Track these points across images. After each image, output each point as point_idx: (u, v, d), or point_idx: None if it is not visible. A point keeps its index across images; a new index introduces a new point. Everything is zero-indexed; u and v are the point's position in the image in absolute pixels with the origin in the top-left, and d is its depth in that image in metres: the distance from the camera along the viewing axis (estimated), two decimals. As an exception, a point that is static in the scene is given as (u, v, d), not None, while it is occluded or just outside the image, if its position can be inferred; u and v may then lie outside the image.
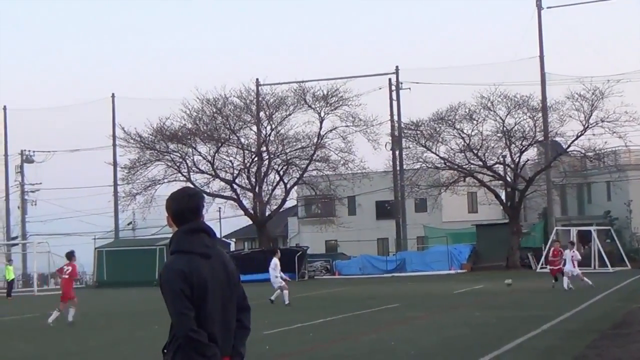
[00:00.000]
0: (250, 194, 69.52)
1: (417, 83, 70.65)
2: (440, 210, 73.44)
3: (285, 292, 31.51)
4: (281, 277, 32.05)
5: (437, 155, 66.17)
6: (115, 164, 75.13)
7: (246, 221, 78.27)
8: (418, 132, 66.27)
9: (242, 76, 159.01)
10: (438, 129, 65.64)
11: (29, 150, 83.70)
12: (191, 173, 69.23)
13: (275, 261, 32.22)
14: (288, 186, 70.18)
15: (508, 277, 45.27)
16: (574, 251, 38.19)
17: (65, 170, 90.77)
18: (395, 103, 71.23)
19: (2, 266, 58.45)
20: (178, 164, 69.11)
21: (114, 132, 74.85)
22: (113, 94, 78.26)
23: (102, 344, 20.81)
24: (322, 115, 68.56)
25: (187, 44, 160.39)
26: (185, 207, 5.71)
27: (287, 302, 31.07)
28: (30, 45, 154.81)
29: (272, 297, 31.82)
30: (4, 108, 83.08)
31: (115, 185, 75.56)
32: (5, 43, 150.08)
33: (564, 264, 37.43)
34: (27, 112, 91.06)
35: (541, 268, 58.10)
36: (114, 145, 74.98)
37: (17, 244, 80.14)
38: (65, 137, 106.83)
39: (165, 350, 5.60)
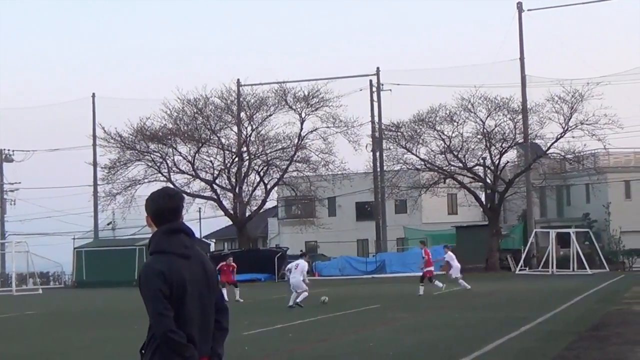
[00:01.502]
0: (231, 195, 69.46)
1: (397, 84, 70.76)
2: (420, 211, 73.55)
3: (305, 294, 30.38)
4: (305, 281, 30.84)
5: (418, 157, 66.29)
6: (95, 163, 74.82)
7: (226, 222, 78.20)
8: (398, 133, 66.35)
9: (223, 76, 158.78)
10: (418, 131, 65.74)
11: (8, 149, 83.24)
12: (171, 173, 69.14)
13: (304, 264, 31.35)
14: (268, 187, 70.15)
15: (488, 278, 45.42)
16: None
17: (45, 170, 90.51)
18: (376, 104, 71.24)
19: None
20: (158, 164, 68.97)
21: (94, 131, 74.66)
22: (93, 94, 77.99)
23: (82, 343, 20.73)
24: (302, 116, 68.60)
25: (168, 44, 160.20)
26: (164, 208, 5.69)
27: (291, 304, 29.98)
28: (11, 44, 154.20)
29: (299, 300, 30.34)
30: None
31: (95, 185, 75.27)
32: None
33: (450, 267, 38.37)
34: (7, 111, 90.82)
35: (520, 270, 58.35)
36: (94, 145, 74.68)
37: (-5, 244, 79.69)
38: (45, 136, 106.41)
39: (143, 351, 5.57)
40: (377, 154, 69.77)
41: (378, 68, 71.96)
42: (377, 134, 69.35)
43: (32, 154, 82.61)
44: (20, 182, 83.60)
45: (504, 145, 65.09)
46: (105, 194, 70.83)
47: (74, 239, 72.70)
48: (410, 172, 67.26)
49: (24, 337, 23.35)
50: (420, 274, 38.03)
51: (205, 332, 5.59)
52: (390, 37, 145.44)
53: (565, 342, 17.00)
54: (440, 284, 36.17)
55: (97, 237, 77.37)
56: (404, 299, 33.93)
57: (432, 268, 37.45)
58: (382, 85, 71.50)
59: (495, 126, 64.55)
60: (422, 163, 66.31)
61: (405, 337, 19.48)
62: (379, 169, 70.29)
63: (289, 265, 31.98)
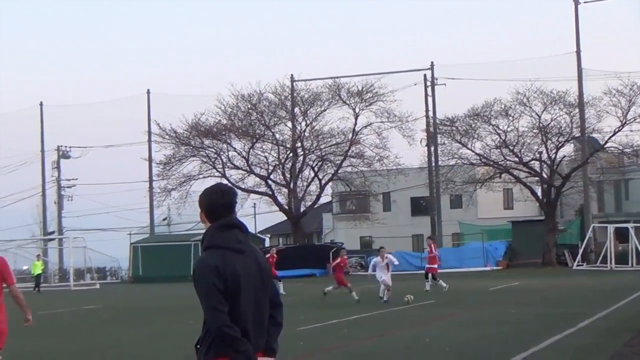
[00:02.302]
0: (285, 190, 69.61)
1: (452, 79, 70.39)
2: (475, 206, 73.05)
3: (382, 287, 30.26)
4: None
5: (473, 152, 65.86)
6: (150, 159, 75.43)
7: (281, 217, 78.31)
8: (453, 128, 65.99)
9: (277, 72, 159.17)
10: (473, 125, 65.31)
11: (65, 146, 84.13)
12: (226, 169, 69.47)
13: (392, 258, 31.19)
14: (323, 182, 70.19)
15: (544, 274, 44.95)
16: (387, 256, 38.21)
17: (101, 166, 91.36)
18: (430, 99, 70.96)
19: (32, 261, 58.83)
20: (213, 160, 69.33)
21: (149, 128, 75.29)
22: (148, 90, 78.59)
23: (138, 338, 20.91)
24: (356, 111, 68.56)
25: (222, 40, 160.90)
26: (218, 203, 5.72)
27: (385, 299, 29.84)
28: (67, 42, 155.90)
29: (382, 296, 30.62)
30: (41, 104, 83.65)
31: (151, 181, 75.85)
32: (41, 40, 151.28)
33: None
34: (64, 108, 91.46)
35: (577, 265, 57.78)
36: (150, 141, 75.33)
37: (53, 239, 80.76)
38: (101, 133, 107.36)
39: (198, 346, 5.61)
40: (432, 148, 69.48)
41: (432, 62, 71.66)
42: (431, 129, 69.06)
43: (89, 151, 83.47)
44: (77, 179, 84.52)
45: (560, 139, 64.42)
46: (160, 189, 71.37)
47: (130, 234, 73.49)
48: (466, 166, 66.87)
49: (81, 332, 23.59)
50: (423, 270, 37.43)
51: (259, 326, 5.61)
52: (444, 31, 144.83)
53: (624, 339, 16.80)
54: (444, 284, 35.24)
55: (152, 232, 78.00)
56: (460, 294, 33.75)
57: (436, 265, 36.47)
58: (437, 79, 71.18)
59: (552, 120, 63.94)
60: (477, 158, 65.87)
61: (461, 332, 19.39)
62: (433, 164, 69.99)
63: (374, 261, 31.44)
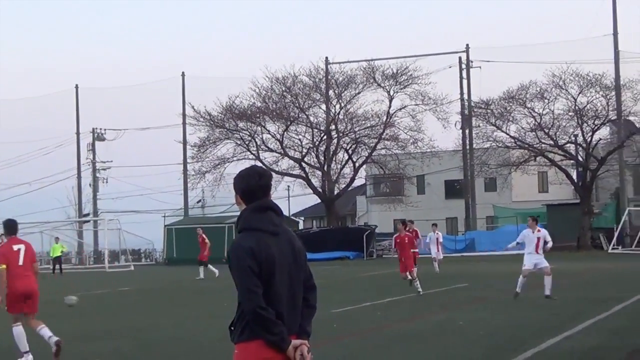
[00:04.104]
0: (319, 173, 69.65)
1: (487, 61, 70.08)
2: (510, 189, 72.69)
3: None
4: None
5: (508, 134, 65.56)
6: (185, 142, 75.76)
7: (315, 200, 78.47)
8: (488, 110, 65.70)
9: (311, 55, 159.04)
10: (508, 108, 65.00)
11: (101, 129, 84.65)
12: (260, 151, 69.61)
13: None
14: (357, 165, 70.16)
15: (579, 257, 44.71)
16: (437, 233, 39.91)
17: (136, 148, 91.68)
18: (465, 81, 70.68)
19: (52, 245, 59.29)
20: (247, 142, 69.49)
21: (183, 110, 75.54)
22: (183, 73, 78.85)
23: (172, 320, 21.03)
24: (391, 93, 68.43)
25: (256, 22, 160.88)
26: (253, 186, 5.75)
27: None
28: (101, 23, 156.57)
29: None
30: (76, 87, 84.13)
31: (185, 163, 76.18)
32: (76, 21, 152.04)
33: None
34: (99, 91, 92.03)
35: (613, 249, 57.44)
36: (184, 123, 75.65)
37: (88, 221, 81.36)
38: (136, 115, 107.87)
39: (232, 327, 5.65)
40: (467, 131, 69.26)
41: (467, 45, 71.32)
42: (466, 112, 68.81)
43: (124, 133, 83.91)
44: (112, 161, 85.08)
45: (596, 122, 63.97)
46: (194, 172, 71.66)
47: (164, 216, 73.85)
48: (500, 149, 66.55)
49: (117, 313, 23.79)
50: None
51: (293, 309, 5.65)
52: (479, 13, 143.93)
53: (659, 323, 16.71)
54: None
55: (187, 214, 78.31)
56: (493, 277, 33.68)
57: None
58: (472, 62, 70.85)
59: (587, 103, 63.47)
60: (512, 141, 65.56)
61: (494, 316, 19.36)
62: (468, 147, 69.76)
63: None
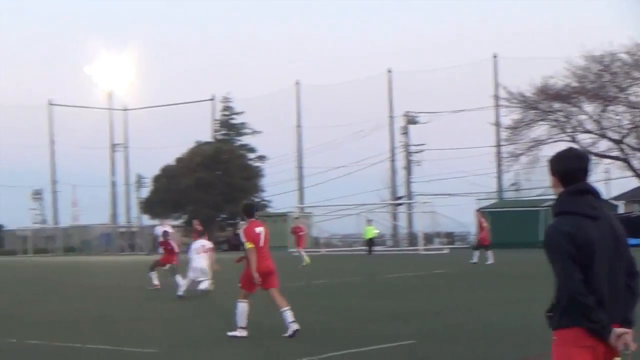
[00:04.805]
0: (640, 155, 67.09)
1: None
2: None
3: None
4: None
5: None
6: (497, 124, 75.44)
7: (635, 183, 75.64)
8: None
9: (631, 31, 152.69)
10: None
11: (414, 112, 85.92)
12: (575, 133, 67.98)
13: None
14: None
15: None
16: None
17: (449, 131, 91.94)
18: None
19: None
20: (562, 124, 68.09)
21: (496, 92, 75.25)
22: (495, 55, 78.49)
23: (485, 304, 20.95)
24: None
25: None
26: (571, 168, 5.63)
27: None
28: (413, 9, 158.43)
29: None
30: (389, 71, 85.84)
31: (498, 145, 75.88)
32: (386, 5, 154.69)
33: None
34: (411, 75, 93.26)
35: None
36: (497, 105, 75.36)
37: (402, 204, 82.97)
38: (448, 98, 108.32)
39: (550, 313, 5.56)
40: None
41: None
42: None
43: (436, 116, 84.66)
44: (425, 144, 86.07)
45: None
46: (508, 154, 71.11)
47: (477, 199, 73.88)
48: None
49: (427, 295, 24.01)
50: None
51: (615, 296, 5.47)
52: None
53: None
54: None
55: (500, 197, 77.99)
56: None
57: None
58: None
59: None
60: None
61: None
62: None
63: None
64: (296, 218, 56.15)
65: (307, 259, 43.13)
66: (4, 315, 21.18)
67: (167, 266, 26.83)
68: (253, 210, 15.66)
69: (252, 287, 14.78)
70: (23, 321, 19.43)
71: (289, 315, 14.61)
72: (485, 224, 40.92)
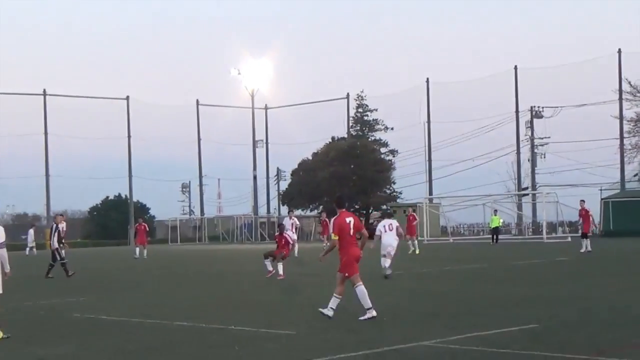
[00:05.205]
0: None
1: None
2: None
3: None
4: None
5: None
6: (621, 117, 74.08)
7: None
8: None
9: None
10: None
11: (538, 106, 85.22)
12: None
13: None
14: None
15: None
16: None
17: (573, 125, 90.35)
18: None
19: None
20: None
21: (620, 86, 73.85)
22: (619, 50, 76.66)
23: (612, 291, 20.52)
24: None
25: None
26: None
27: None
28: (530, 7, 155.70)
29: None
30: (515, 68, 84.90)
31: (622, 138, 74.52)
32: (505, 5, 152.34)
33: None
34: (537, 70, 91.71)
35: None
36: (620, 99, 74.14)
37: (527, 194, 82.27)
38: (572, 92, 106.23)
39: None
40: None
41: None
42: None
43: (560, 110, 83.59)
44: (549, 137, 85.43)
45: None
46: (631, 146, 69.68)
47: (600, 190, 72.75)
48: None
49: (552, 281, 23.63)
50: None
51: None
52: None
53: None
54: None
55: (623, 188, 76.52)
56: None
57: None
58: None
59: None
60: None
61: None
62: None
63: None
64: (411, 209, 56.99)
65: (415, 248, 42.53)
66: (162, 297, 21.85)
67: (278, 255, 26.72)
68: (344, 201, 16.88)
69: (354, 269, 15.44)
70: (175, 305, 19.97)
71: (367, 300, 15.24)
72: (591, 213, 41.22)
